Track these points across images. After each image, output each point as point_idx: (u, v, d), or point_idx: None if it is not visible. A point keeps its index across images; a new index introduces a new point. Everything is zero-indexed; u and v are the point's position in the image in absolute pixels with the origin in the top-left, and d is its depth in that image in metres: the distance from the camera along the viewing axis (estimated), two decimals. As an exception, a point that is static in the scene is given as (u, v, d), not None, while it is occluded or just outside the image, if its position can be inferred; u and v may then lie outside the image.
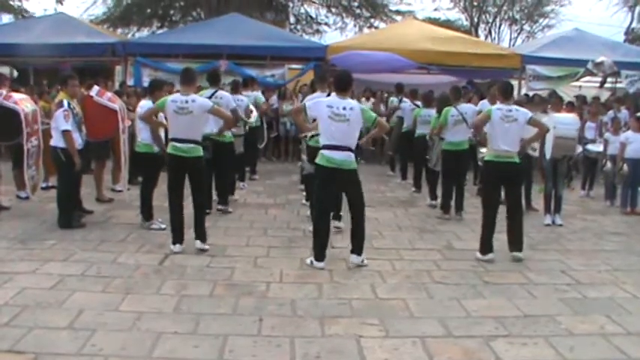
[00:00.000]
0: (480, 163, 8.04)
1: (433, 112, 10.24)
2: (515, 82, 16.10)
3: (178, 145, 6.90)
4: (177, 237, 7.02)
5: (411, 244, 7.74)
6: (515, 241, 7.12)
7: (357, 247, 6.71)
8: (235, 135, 9.40)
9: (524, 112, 7.15)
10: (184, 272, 6.27)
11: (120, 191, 10.03)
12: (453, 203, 9.32)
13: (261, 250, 7.16)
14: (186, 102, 6.83)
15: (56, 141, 7.86)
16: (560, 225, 8.91)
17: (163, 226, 7.81)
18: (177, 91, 7.38)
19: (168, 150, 7.03)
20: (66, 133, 7.75)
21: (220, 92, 8.94)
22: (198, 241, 7.06)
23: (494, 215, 7.11)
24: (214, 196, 9.04)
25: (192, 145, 6.92)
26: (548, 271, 6.74)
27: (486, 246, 7.07)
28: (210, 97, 8.30)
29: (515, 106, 7.20)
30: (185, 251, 6.98)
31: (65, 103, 7.80)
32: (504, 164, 7.02)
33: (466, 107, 9.42)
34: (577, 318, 5.35)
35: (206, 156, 7.34)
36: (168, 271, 6.32)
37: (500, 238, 7.24)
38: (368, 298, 5.70)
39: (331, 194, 6.80)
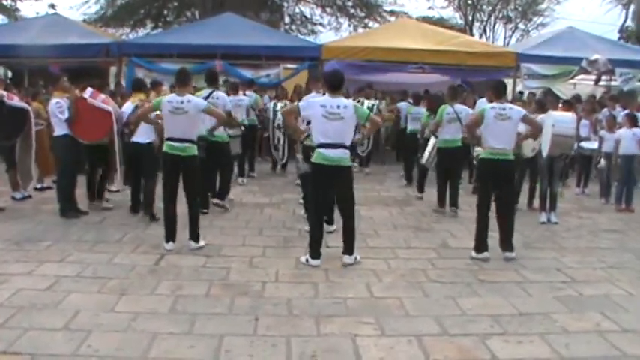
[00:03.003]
0: (474, 162, 8.07)
1: (422, 109, 10.79)
2: (509, 81, 16.18)
3: (174, 144, 7.00)
4: (170, 235, 7.10)
5: (407, 242, 7.74)
6: (507, 241, 7.14)
7: (349, 248, 6.76)
8: (232, 136, 9.52)
9: (518, 110, 7.24)
10: (180, 272, 6.27)
11: (116, 191, 10.01)
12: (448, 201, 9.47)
13: (256, 250, 7.16)
14: (182, 102, 6.95)
15: (144, 136, 8.41)
16: (556, 223, 8.93)
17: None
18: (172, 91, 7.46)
19: (165, 149, 7.11)
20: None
21: (217, 92, 9.02)
22: (191, 242, 7.14)
23: (488, 213, 7.15)
24: (210, 199, 9.10)
25: (187, 145, 7.01)
26: (543, 268, 6.76)
27: (481, 244, 7.10)
28: (207, 97, 8.48)
29: (509, 104, 7.32)
30: (180, 251, 6.99)
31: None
32: (500, 162, 7.05)
33: (461, 107, 9.65)
34: (572, 315, 5.36)
35: (200, 155, 7.40)
36: (163, 271, 6.32)
37: (495, 237, 7.25)
38: (363, 297, 5.71)
39: (327, 192, 6.81)
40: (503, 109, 7.09)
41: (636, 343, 4.78)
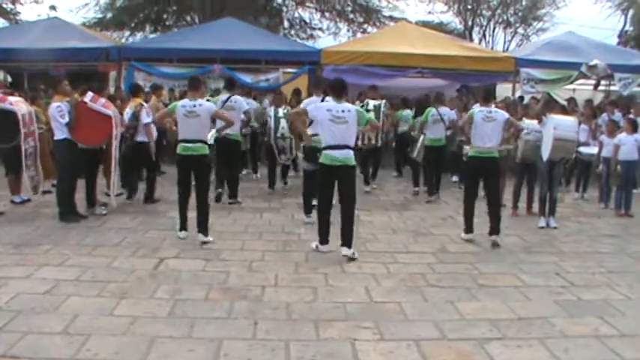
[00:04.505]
0: (464, 158, 9.06)
1: (410, 112, 12.46)
2: (509, 86, 16.20)
3: (187, 145, 7.68)
4: (183, 225, 7.84)
5: (406, 247, 7.75)
6: (495, 228, 7.91)
7: (347, 241, 7.14)
8: (244, 134, 10.77)
9: (503, 114, 8.16)
10: (179, 276, 6.27)
11: (116, 195, 9.98)
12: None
13: (256, 254, 7.16)
14: (194, 106, 7.67)
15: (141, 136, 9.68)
16: (555, 227, 8.93)
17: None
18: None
19: (178, 150, 7.76)
20: (148, 127, 9.68)
21: (235, 97, 10.09)
22: (200, 235, 7.64)
23: (474, 203, 8.10)
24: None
25: (199, 144, 7.70)
26: (542, 273, 6.76)
27: (468, 227, 8.09)
28: (226, 101, 9.84)
29: (494, 108, 8.30)
30: (179, 255, 7.00)
31: (145, 105, 9.92)
32: (486, 159, 7.94)
33: (444, 110, 11.04)
34: (571, 320, 5.36)
35: (211, 154, 8.32)
36: (162, 275, 6.32)
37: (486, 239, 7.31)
38: (363, 302, 5.71)
39: (332, 188, 7.30)
40: (490, 112, 8.05)
41: (635, 348, 4.78)
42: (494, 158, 7.98)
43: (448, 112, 11.08)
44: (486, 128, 7.90)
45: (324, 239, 7.33)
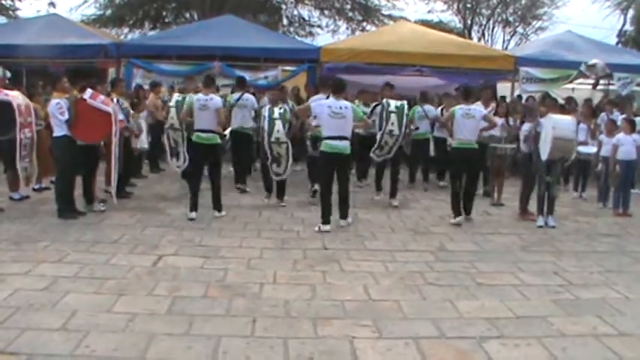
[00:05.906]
0: (448, 149, 10.08)
1: None
2: (508, 85, 16.19)
3: (202, 134, 8.84)
4: (194, 206, 8.71)
5: (404, 245, 7.74)
6: (468, 209, 9.20)
7: (344, 214, 8.53)
8: (255, 129, 11.15)
9: (480, 110, 9.38)
10: (177, 274, 6.27)
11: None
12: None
13: (254, 252, 7.17)
14: (207, 100, 8.82)
15: None
16: (553, 226, 8.94)
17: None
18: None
19: (194, 139, 8.97)
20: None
21: (246, 95, 11.39)
22: (215, 211, 8.88)
23: (459, 188, 9.08)
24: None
25: (211, 134, 8.85)
26: (540, 272, 6.77)
27: (456, 211, 9.01)
28: (238, 100, 11.21)
29: (473, 106, 9.37)
30: (178, 252, 7.01)
31: (115, 99, 9.68)
32: (466, 150, 9.03)
33: (429, 108, 12.30)
34: (569, 319, 5.36)
35: (222, 143, 9.51)
36: (161, 272, 6.31)
37: (493, 240, 7.43)
38: (361, 300, 5.71)
39: (332, 173, 8.39)
40: (469, 109, 9.11)
41: (633, 347, 4.79)
42: (474, 149, 9.08)
43: (432, 110, 12.36)
44: (466, 124, 9.00)
45: (326, 220, 8.29)
